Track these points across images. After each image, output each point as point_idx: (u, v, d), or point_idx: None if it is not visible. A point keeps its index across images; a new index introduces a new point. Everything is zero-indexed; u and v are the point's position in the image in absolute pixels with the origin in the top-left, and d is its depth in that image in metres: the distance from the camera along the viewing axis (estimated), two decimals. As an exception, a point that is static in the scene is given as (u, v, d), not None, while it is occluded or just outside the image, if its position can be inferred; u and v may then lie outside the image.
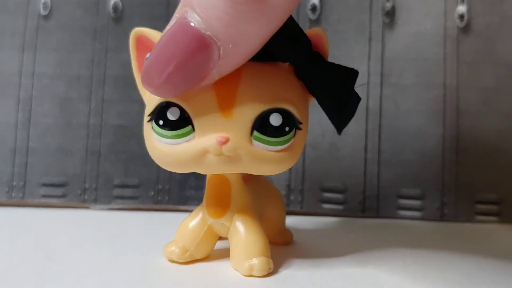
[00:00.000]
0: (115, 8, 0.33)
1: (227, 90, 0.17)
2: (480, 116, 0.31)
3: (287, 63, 0.18)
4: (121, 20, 0.33)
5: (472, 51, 0.32)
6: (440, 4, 0.32)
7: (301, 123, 0.18)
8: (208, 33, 0.15)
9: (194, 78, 0.16)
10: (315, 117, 0.29)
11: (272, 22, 0.16)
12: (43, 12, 0.33)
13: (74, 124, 0.32)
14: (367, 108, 0.32)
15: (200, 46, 0.15)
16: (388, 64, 0.32)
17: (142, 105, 0.19)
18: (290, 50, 0.17)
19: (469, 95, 0.32)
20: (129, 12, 0.33)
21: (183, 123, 0.17)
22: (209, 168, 0.17)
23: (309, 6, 0.33)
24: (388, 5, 0.32)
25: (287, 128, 0.17)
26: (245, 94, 0.17)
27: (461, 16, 0.32)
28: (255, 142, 0.17)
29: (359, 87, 0.19)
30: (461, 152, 0.31)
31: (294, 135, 0.17)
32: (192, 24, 0.15)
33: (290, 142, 0.17)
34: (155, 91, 0.16)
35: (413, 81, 0.32)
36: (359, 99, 0.19)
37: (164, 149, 0.17)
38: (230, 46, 0.15)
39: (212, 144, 0.16)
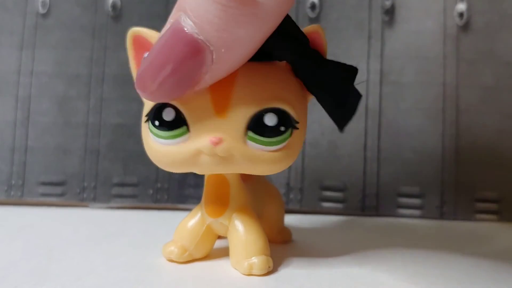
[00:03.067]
0: (113, 6, 0.33)
1: (222, 90, 0.16)
2: (479, 114, 0.31)
3: (284, 62, 0.18)
4: (120, 18, 0.33)
5: (472, 49, 0.32)
6: (440, 2, 0.32)
7: (297, 122, 0.17)
8: (201, 37, 0.15)
9: (187, 83, 0.16)
10: (315, 116, 0.29)
11: (265, 26, 0.15)
12: (41, 10, 0.33)
13: (73, 122, 0.32)
14: (366, 107, 0.32)
15: (192, 51, 0.15)
16: (387, 62, 0.32)
17: (141, 103, 0.18)
18: (287, 49, 0.17)
19: (469, 93, 0.31)
20: (127, 10, 0.33)
21: (178, 123, 0.17)
22: (203, 169, 0.17)
23: (308, 4, 0.32)
24: (388, 3, 0.32)
25: (282, 128, 0.17)
26: (240, 94, 0.16)
27: (461, 14, 0.32)
28: (249, 143, 0.17)
29: (358, 85, 0.19)
30: (461, 151, 0.31)
31: (290, 135, 0.17)
32: (185, 29, 0.15)
33: (286, 142, 0.17)
34: (149, 96, 0.16)
35: (412, 80, 0.32)
36: (360, 96, 0.19)
37: (160, 149, 0.17)
38: (223, 50, 0.15)
39: (205, 145, 0.16)
